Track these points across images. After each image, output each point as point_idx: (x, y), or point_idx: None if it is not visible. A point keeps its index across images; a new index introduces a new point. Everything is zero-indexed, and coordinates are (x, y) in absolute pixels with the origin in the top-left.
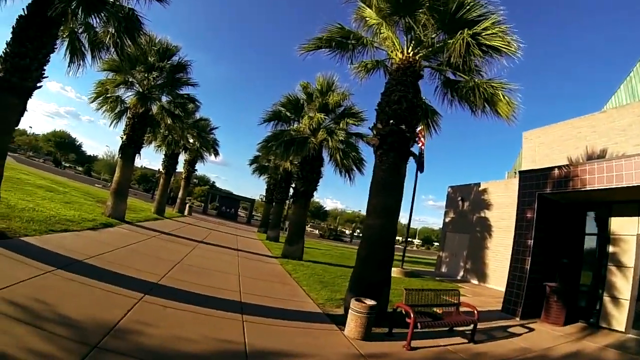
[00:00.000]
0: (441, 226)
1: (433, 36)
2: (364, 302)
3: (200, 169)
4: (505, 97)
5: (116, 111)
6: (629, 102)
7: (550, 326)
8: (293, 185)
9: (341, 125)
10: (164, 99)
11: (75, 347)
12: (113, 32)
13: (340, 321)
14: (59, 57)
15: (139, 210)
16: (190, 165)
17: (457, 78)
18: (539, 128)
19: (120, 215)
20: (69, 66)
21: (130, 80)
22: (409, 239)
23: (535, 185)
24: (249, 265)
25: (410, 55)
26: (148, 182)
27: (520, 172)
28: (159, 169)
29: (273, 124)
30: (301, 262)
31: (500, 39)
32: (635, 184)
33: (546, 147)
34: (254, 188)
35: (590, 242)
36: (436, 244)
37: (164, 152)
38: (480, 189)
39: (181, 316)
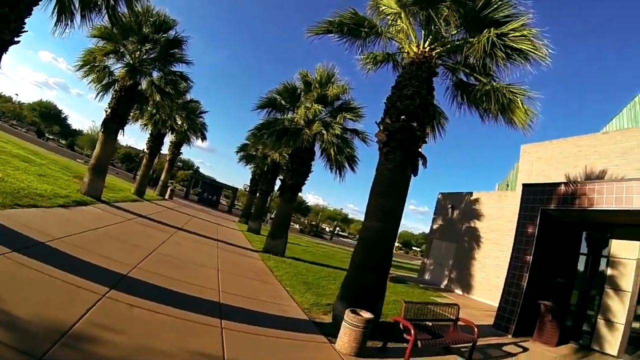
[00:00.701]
0: (422, 231)
1: (453, 32)
2: (360, 315)
3: (186, 152)
4: (524, 105)
5: (103, 83)
6: (631, 126)
7: (543, 346)
8: (281, 177)
9: (338, 119)
10: (155, 74)
11: (15, 359)
12: None
13: (329, 332)
14: (48, 28)
15: (117, 189)
16: (176, 147)
17: (471, 81)
18: (538, 143)
19: (96, 193)
20: (55, 25)
21: (121, 50)
22: None
23: (539, 200)
24: (230, 258)
25: (427, 50)
26: (131, 162)
27: (524, 185)
28: (143, 149)
29: (267, 112)
30: (283, 259)
31: (529, 42)
32: None
33: (544, 162)
34: (238, 177)
35: (586, 263)
36: (415, 248)
37: (149, 132)
38: (472, 198)
39: (150, 319)
